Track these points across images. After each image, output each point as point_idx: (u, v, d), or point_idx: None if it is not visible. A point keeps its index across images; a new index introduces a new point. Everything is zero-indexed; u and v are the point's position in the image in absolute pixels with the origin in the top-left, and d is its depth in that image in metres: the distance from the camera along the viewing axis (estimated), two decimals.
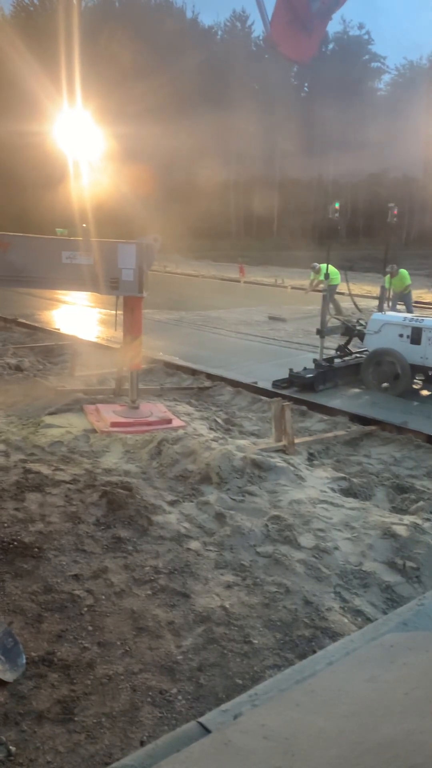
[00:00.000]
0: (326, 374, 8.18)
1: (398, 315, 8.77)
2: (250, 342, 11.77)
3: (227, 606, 3.19)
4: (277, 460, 5.06)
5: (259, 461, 4.95)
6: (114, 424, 6.02)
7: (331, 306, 11.99)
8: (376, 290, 16.97)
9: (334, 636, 2.97)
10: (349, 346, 9.02)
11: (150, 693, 2.61)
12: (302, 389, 7.84)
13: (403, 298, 13.92)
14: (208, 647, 2.88)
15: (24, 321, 12.70)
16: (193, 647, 2.89)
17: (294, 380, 8.01)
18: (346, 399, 7.76)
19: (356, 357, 8.84)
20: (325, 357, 8.54)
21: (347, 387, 8.29)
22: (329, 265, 10.08)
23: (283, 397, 6.91)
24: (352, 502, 4.61)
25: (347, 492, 4.85)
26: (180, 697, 2.59)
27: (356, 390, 8.20)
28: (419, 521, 4.12)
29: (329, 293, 11.58)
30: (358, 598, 3.38)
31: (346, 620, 3.15)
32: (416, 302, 15.87)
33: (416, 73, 48.46)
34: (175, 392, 7.70)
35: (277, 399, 6.03)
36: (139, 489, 4.48)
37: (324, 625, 3.08)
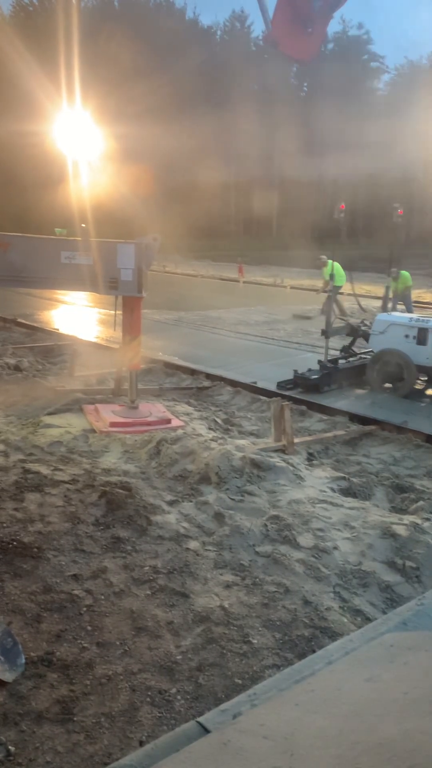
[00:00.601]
0: (331, 375, 8.14)
1: (404, 316, 8.70)
2: (249, 342, 11.76)
3: (226, 606, 3.18)
4: (276, 460, 5.06)
5: (259, 461, 4.95)
6: (113, 424, 6.01)
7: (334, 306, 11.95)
8: (375, 290, 17.01)
9: (334, 636, 2.97)
10: (353, 347, 8.98)
11: (149, 693, 2.60)
12: (307, 390, 7.79)
13: (404, 298, 13.94)
14: (207, 647, 2.88)
15: (23, 321, 12.70)
16: (192, 647, 2.88)
17: (299, 381, 7.96)
18: (352, 400, 7.69)
19: (361, 358, 8.81)
20: (329, 358, 8.49)
21: (352, 388, 8.23)
22: (337, 264, 9.98)
23: (283, 397, 6.92)
24: (351, 501, 4.61)
25: (347, 492, 4.84)
26: (179, 697, 2.59)
27: (361, 391, 8.15)
28: (419, 521, 4.12)
29: (333, 294, 11.56)
30: (358, 597, 3.38)
31: (345, 620, 3.14)
32: (415, 302, 15.86)
33: (416, 73, 48.47)
34: (174, 392, 7.70)
35: (276, 399, 6.03)
36: (138, 489, 4.48)
37: (323, 625, 3.08)
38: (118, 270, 5.90)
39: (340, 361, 8.65)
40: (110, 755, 2.28)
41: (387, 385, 8.04)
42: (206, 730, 1.94)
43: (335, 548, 3.84)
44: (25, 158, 34.34)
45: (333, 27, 50.72)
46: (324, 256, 14.41)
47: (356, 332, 8.91)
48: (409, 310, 13.39)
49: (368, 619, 3.13)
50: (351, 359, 8.77)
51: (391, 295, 10.60)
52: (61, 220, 31.23)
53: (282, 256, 35.18)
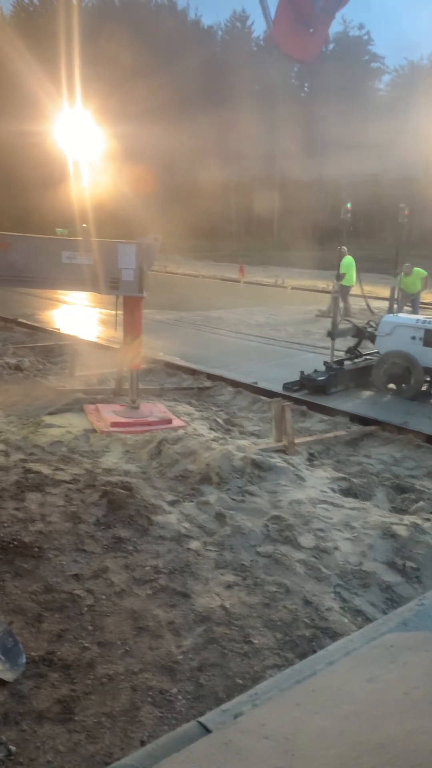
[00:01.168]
0: (338, 377, 8.08)
1: (411, 317, 8.62)
2: (250, 342, 11.76)
3: (227, 606, 3.19)
4: (277, 461, 5.06)
5: (259, 461, 4.95)
6: (114, 424, 6.02)
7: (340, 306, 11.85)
8: (376, 290, 16.98)
9: (334, 636, 2.97)
10: (359, 349, 8.93)
11: (150, 693, 2.61)
12: (314, 392, 7.73)
13: (413, 299, 13.74)
14: (208, 647, 2.88)
15: (24, 321, 12.70)
16: (193, 647, 2.89)
17: (305, 383, 7.91)
18: (358, 402, 7.67)
19: (366, 359, 8.76)
20: (335, 359, 8.45)
21: (358, 390, 8.19)
22: (352, 263, 9.82)
23: (286, 397, 6.91)
24: (352, 502, 4.61)
25: (347, 492, 4.84)
26: (180, 697, 2.59)
27: (368, 393, 8.11)
28: (419, 521, 4.12)
29: (341, 294, 11.47)
30: (358, 598, 3.38)
31: (346, 620, 3.15)
32: (421, 303, 15.79)
33: (416, 73, 48.48)
34: (176, 392, 7.70)
35: (277, 399, 6.03)
36: (139, 489, 4.48)
37: (324, 625, 3.08)
38: (119, 270, 5.90)
39: (346, 363, 8.60)
40: (111, 755, 2.28)
41: (391, 386, 8.00)
42: (207, 730, 1.94)
43: (336, 548, 3.84)
44: (26, 158, 34.37)
45: (334, 27, 50.67)
46: (345, 248, 14.18)
47: (362, 334, 8.83)
48: (415, 311, 13.29)
49: (369, 620, 3.13)
50: (356, 360, 8.73)
51: (398, 296, 10.53)
52: (62, 220, 31.29)
53: (283, 257, 35.18)
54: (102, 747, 2.32)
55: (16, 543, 3.68)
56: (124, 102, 34.97)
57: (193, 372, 8.51)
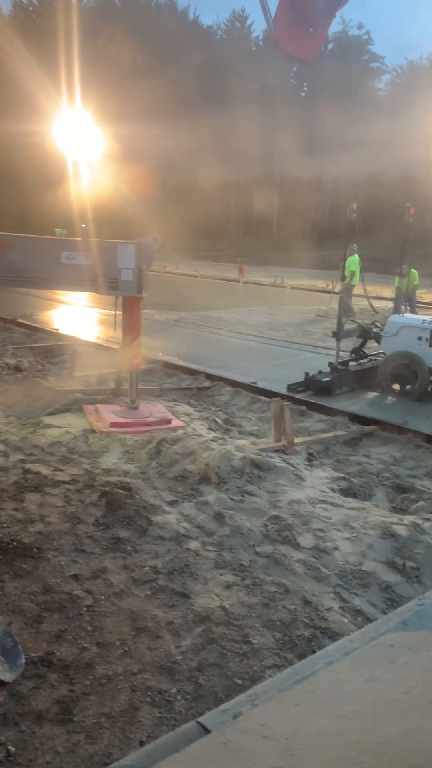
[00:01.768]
0: (343, 378, 8.04)
1: (417, 317, 8.57)
2: (249, 342, 11.77)
3: (227, 606, 3.18)
4: (276, 460, 5.06)
5: (259, 461, 4.95)
6: (113, 425, 6.01)
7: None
8: (377, 290, 16.99)
9: (334, 636, 2.97)
10: (363, 349, 8.88)
11: (149, 693, 2.60)
12: (318, 393, 7.70)
13: (409, 298, 13.81)
14: (207, 647, 2.88)
15: (23, 321, 12.70)
16: (192, 647, 2.88)
17: (310, 384, 7.87)
18: (363, 403, 7.65)
19: (371, 360, 8.71)
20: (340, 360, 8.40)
21: (363, 391, 8.16)
22: (356, 261, 9.73)
23: (284, 397, 6.91)
24: (351, 502, 4.61)
25: (347, 492, 4.84)
26: (179, 697, 2.59)
27: (373, 393, 8.08)
28: (419, 521, 4.12)
29: (346, 294, 11.44)
30: (358, 598, 3.38)
31: (345, 620, 3.14)
32: (418, 302, 15.83)
33: (416, 73, 48.49)
34: (175, 392, 7.69)
35: (276, 399, 6.03)
36: (139, 489, 4.48)
37: (323, 625, 3.08)
38: (118, 270, 5.90)
39: (351, 363, 8.56)
40: (110, 755, 2.28)
41: (396, 386, 7.97)
42: (206, 731, 1.94)
43: (335, 548, 3.84)
44: (26, 158, 34.35)
45: (333, 27, 50.63)
46: (356, 245, 14.12)
47: (367, 334, 8.78)
48: (412, 310, 13.31)
49: (368, 620, 3.13)
50: (361, 361, 8.68)
51: (397, 295, 10.52)
52: (61, 220, 31.28)
53: (282, 257, 35.19)
54: (101, 747, 2.32)
55: (15, 543, 3.68)
56: (123, 102, 34.97)
57: (192, 372, 8.51)
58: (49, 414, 6.45)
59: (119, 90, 35.50)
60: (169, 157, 38.08)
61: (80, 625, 3.02)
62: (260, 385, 7.74)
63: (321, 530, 4.05)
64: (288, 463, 5.08)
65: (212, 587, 3.38)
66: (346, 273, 12.57)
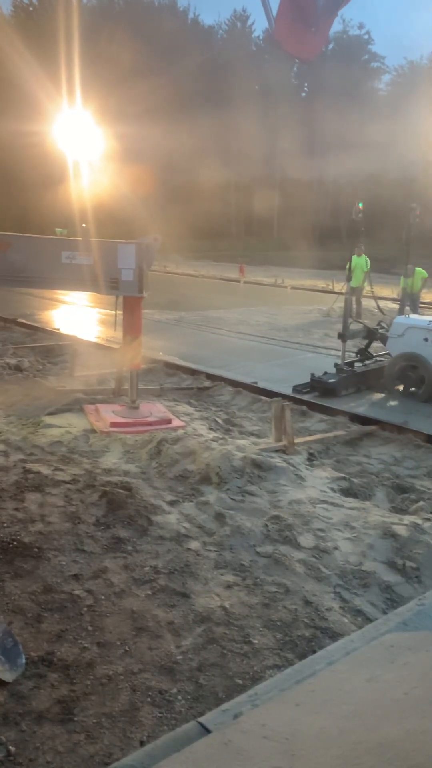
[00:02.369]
0: (349, 379, 8.00)
1: (423, 318, 8.52)
2: (250, 342, 11.76)
3: (227, 606, 3.18)
4: (277, 460, 5.06)
5: (259, 461, 4.95)
6: (114, 424, 6.01)
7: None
8: (378, 290, 16.95)
9: (334, 636, 2.97)
10: (369, 350, 8.85)
11: (150, 693, 2.60)
12: (324, 394, 7.66)
13: (413, 298, 13.79)
14: (207, 647, 2.88)
15: (24, 321, 12.70)
16: (192, 647, 2.88)
17: (316, 385, 7.83)
18: (372, 405, 7.61)
19: (377, 361, 8.67)
20: (346, 361, 8.33)
21: (369, 392, 8.12)
22: (361, 262, 9.62)
23: (285, 397, 6.90)
24: (352, 502, 4.61)
25: (347, 492, 4.84)
26: (180, 697, 2.59)
27: (379, 395, 8.05)
28: (419, 521, 4.12)
29: (350, 294, 11.41)
30: (358, 598, 3.38)
31: (346, 620, 3.14)
32: (420, 303, 15.81)
33: (416, 73, 48.48)
34: (175, 392, 7.69)
35: (276, 399, 6.02)
36: (139, 489, 4.48)
37: (324, 625, 3.08)
38: (118, 270, 5.90)
39: (357, 364, 8.53)
40: (111, 755, 2.28)
41: (402, 387, 7.94)
42: (207, 731, 1.94)
43: (336, 548, 3.84)
44: (26, 158, 34.34)
45: (333, 27, 50.59)
46: (362, 245, 14.08)
47: (374, 335, 8.74)
48: (415, 311, 13.28)
49: (369, 620, 3.13)
50: (367, 362, 8.65)
51: (401, 295, 10.48)
52: (61, 220, 31.26)
53: (283, 257, 35.18)
54: (101, 747, 2.32)
55: (15, 543, 3.68)
56: (123, 102, 34.96)
57: (193, 372, 8.50)
58: (50, 414, 6.46)
59: (120, 90, 35.49)
60: (169, 157, 38.08)
61: (81, 625, 3.02)
62: (261, 385, 7.73)
63: (321, 530, 4.05)
64: (288, 463, 5.08)
65: (213, 587, 3.38)
66: (355, 274, 12.51)
